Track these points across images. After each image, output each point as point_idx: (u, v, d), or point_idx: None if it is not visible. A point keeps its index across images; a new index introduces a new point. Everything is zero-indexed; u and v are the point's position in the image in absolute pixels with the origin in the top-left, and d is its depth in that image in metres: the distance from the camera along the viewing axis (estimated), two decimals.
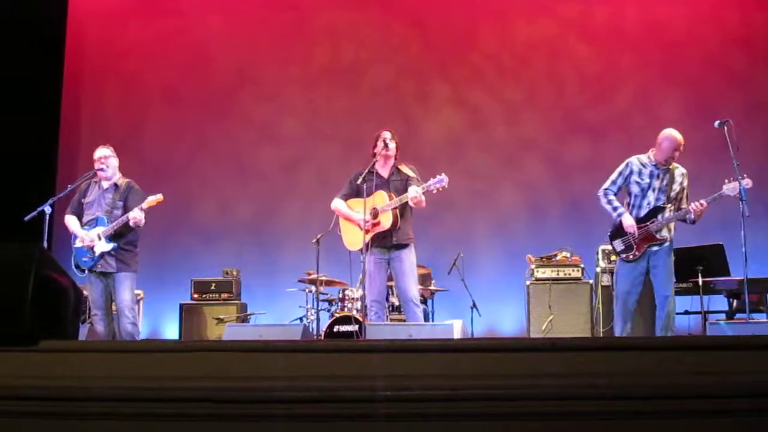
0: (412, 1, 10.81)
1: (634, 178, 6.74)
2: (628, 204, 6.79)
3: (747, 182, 6.53)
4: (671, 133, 6.69)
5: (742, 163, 6.67)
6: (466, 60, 10.57)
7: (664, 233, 6.67)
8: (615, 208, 6.77)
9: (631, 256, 6.68)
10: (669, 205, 6.69)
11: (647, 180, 6.71)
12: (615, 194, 6.82)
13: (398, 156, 7.03)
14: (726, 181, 6.56)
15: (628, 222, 6.65)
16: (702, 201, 6.57)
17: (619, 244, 6.73)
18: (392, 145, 6.93)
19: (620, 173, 6.82)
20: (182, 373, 2.43)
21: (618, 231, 6.75)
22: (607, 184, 6.85)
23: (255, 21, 10.85)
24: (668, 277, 6.66)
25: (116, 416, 2.38)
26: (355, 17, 10.82)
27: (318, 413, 2.27)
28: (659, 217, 6.65)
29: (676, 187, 6.72)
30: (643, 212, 6.69)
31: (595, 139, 10.13)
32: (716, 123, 6.78)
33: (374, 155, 6.92)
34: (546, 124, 10.37)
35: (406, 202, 6.74)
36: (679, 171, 6.78)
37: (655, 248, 6.66)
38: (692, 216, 6.59)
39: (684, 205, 6.70)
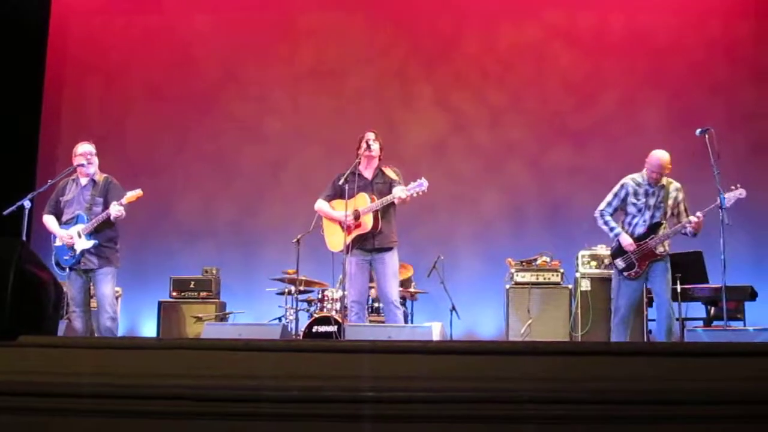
0: (397, 4, 10.81)
1: (631, 199, 6.87)
2: (626, 222, 6.88)
3: (741, 192, 6.63)
4: (655, 155, 6.82)
5: (723, 172, 6.75)
6: (450, 63, 10.58)
7: (660, 249, 6.77)
8: (612, 229, 6.90)
9: (633, 274, 6.79)
10: (665, 221, 6.79)
11: (643, 199, 6.84)
12: (611, 215, 6.94)
13: (382, 157, 7.03)
14: (724, 190, 6.63)
15: (627, 241, 6.78)
16: (699, 213, 6.66)
17: (620, 263, 6.85)
18: (375, 146, 6.94)
19: (616, 195, 6.94)
20: (165, 371, 2.42)
21: (619, 250, 6.86)
22: (602, 206, 6.96)
23: (239, 20, 10.81)
24: (668, 285, 6.82)
25: (98, 413, 2.36)
26: (339, 19, 10.81)
27: (302, 413, 2.27)
28: (658, 232, 6.72)
29: (671, 202, 6.85)
30: (640, 230, 6.81)
31: (577, 145, 10.17)
32: (698, 131, 6.86)
33: (358, 156, 6.92)
34: (529, 128, 10.39)
35: (388, 204, 6.74)
36: (674, 186, 6.90)
37: (655, 264, 6.77)
38: (690, 228, 6.68)
39: (684, 219, 6.78)
